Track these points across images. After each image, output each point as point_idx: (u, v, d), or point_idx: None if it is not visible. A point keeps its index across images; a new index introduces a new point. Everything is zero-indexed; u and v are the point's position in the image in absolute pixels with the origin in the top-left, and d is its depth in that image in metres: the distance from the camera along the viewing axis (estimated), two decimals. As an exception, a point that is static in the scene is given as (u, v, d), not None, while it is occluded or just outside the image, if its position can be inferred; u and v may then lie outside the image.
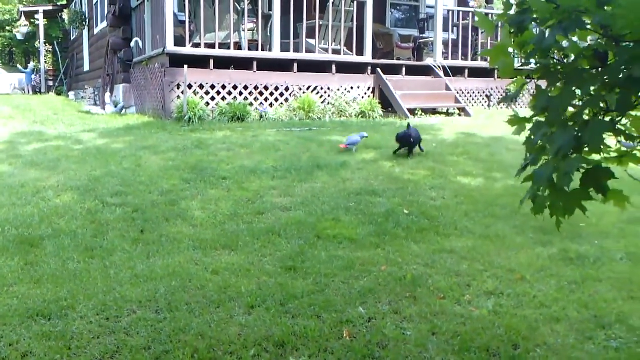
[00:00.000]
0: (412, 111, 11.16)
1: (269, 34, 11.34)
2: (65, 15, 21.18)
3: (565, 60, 2.06)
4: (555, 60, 2.07)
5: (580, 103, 1.95)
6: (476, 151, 7.74)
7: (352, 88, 11.72)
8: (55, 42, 24.14)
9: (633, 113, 2.04)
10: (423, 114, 11.34)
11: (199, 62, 10.34)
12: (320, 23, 11.56)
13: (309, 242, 4.59)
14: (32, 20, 23.40)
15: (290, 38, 11.06)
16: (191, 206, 5.44)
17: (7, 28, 29.02)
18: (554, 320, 3.39)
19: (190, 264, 4.17)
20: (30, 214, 5.17)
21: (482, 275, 4.03)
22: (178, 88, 10.22)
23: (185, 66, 9.89)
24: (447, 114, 12.01)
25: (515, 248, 4.53)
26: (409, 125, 7.59)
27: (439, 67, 12.54)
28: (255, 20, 11.25)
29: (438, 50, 12.92)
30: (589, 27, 1.88)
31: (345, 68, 11.72)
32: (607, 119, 1.93)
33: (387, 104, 11.54)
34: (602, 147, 1.91)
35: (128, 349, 3.01)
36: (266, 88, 10.91)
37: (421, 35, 14.81)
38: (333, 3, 11.51)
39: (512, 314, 3.44)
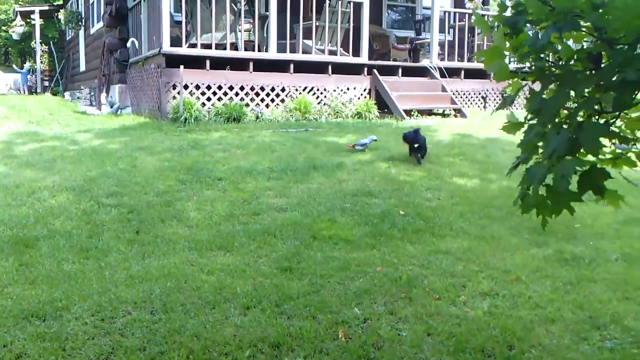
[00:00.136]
0: (408, 112, 11.17)
1: (265, 34, 11.34)
2: (61, 15, 21.10)
3: (560, 63, 2.06)
4: (549, 63, 2.08)
5: (574, 105, 1.95)
6: (472, 152, 7.75)
7: (348, 89, 11.73)
8: (51, 42, 24.07)
9: (627, 115, 2.04)
10: (419, 115, 11.35)
11: (195, 63, 10.33)
12: (317, 24, 11.57)
13: (305, 243, 4.58)
14: (28, 20, 23.33)
15: (286, 39, 11.07)
16: (187, 207, 5.43)
17: (3, 28, 28.91)
18: (549, 321, 3.39)
19: (185, 264, 4.16)
20: (25, 215, 5.15)
21: (477, 276, 4.03)
22: (174, 88, 10.21)
23: (182, 66, 9.88)
24: (443, 115, 12.03)
25: (510, 249, 4.54)
26: (418, 130, 7.35)
27: (435, 68, 12.56)
28: (251, 21, 11.24)
29: (434, 51, 12.94)
30: (583, 29, 1.88)
31: (342, 69, 11.73)
32: (602, 120, 1.94)
33: (383, 105, 11.55)
34: (599, 149, 1.91)
35: (123, 350, 3.00)
36: (262, 89, 10.91)
37: (417, 37, 14.83)
38: (329, 4, 11.52)
39: (507, 315, 3.45)
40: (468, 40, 13.62)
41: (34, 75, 23.66)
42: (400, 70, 12.41)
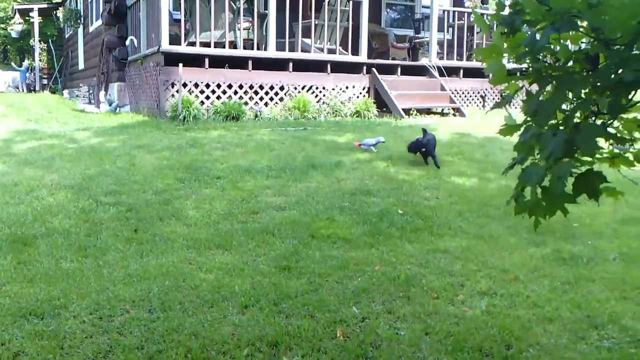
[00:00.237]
0: (407, 111, 11.17)
1: (264, 33, 11.33)
2: (60, 13, 21.08)
3: (557, 64, 2.06)
4: (546, 64, 2.07)
5: (570, 106, 1.95)
6: (470, 151, 7.76)
7: (347, 88, 11.72)
8: (50, 40, 24.04)
9: (624, 115, 2.04)
10: (418, 114, 11.35)
11: (194, 61, 10.32)
12: (316, 22, 11.56)
13: (303, 242, 4.58)
14: (27, 18, 23.31)
15: (285, 37, 11.05)
16: (185, 205, 5.43)
17: (2, 26, 28.89)
18: (546, 320, 3.40)
19: (183, 263, 4.16)
20: (24, 213, 5.15)
21: (475, 275, 4.04)
22: (173, 87, 10.20)
23: (180, 65, 9.87)
24: (442, 114, 12.03)
25: (508, 248, 4.54)
26: (424, 131, 7.25)
27: (434, 67, 12.56)
28: (250, 19, 11.23)
29: (433, 50, 12.94)
30: (580, 30, 1.88)
31: (341, 67, 11.72)
32: (599, 122, 1.94)
33: (382, 103, 11.55)
34: (595, 151, 1.91)
35: (121, 348, 3.00)
36: (261, 87, 10.90)
37: (416, 35, 14.82)
38: (329, 2, 11.51)
39: (505, 314, 3.45)
40: (467, 39, 13.61)
41: (32, 73, 23.63)
42: (399, 69, 12.40)
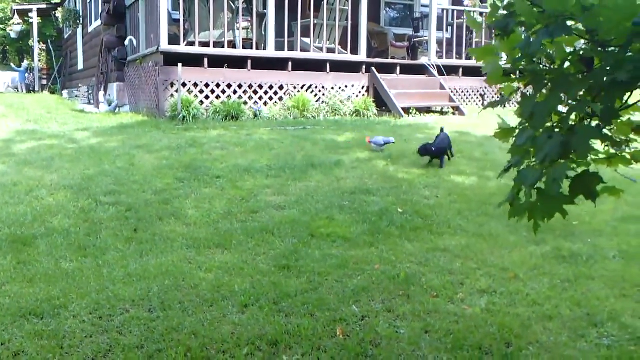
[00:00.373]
0: (407, 110, 11.17)
1: (263, 32, 11.33)
2: (59, 13, 21.08)
3: (552, 66, 2.05)
4: (542, 66, 2.07)
5: (566, 109, 1.95)
6: (470, 150, 7.76)
7: (346, 87, 11.73)
8: (49, 41, 24.03)
9: (618, 120, 2.03)
10: (417, 112, 11.35)
11: (193, 61, 10.32)
12: (315, 22, 11.56)
13: (303, 241, 4.59)
14: (26, 19, 23.29)
15: (284, 37, 11.05)
16: (185, 205, 5.43)
17: (1, 26, 28.87)
18: (546, 318, 3.40)
19: (183, 262, 4.16)
20: (23, 213, 5.15)
21: (475, 273, 4.04)
22: (172, 86, 10.20)
23: (180, 65, 9.87)
24: (441, 112, 12.02)
25: (508, 246, 4.54)
26: (442, 129, 7.19)
27: (434, 66, 12.56)
28: (249, 19, 11.24)
29: (432, 49, 12.93)
30: (574, 32, 1.87)
31: (340, 67, 11.72)
32: (594, 124, 1.93)
33: (382, 102, 11.55)
34: (589, 154, 1.91)
35: (121, 347, 3.00)
36: (260, 87, 10.90)
37: (416, 34, 14.81)
38: (327, 2, 11.51)
39: (505, 312, 3.45)
40: (466, 38, 13.61)
41: (31, 74, 23.62)
42: (398, 68, 12.40)
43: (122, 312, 3.39)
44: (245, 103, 10.59)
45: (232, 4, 10.89)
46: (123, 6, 12.96)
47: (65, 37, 23.04)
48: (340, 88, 11.63)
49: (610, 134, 2.05)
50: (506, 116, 2.41)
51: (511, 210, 2.20)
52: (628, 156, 2.19)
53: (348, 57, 11.91)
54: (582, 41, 1.95)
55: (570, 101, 1.94)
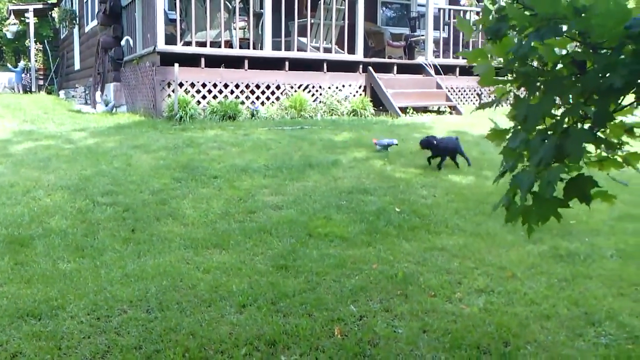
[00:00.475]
0: (404, 109, 11.18)
1: (260, 32, 11.32)
2: (55, 13, 21.01)
3: (545, 68, 2.05)
4: (534, 68, 2.06)
5: (560, 111, 1.95)
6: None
7: (343, 86, 11.73)
8: (45, 41, 23.98)
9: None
10: (414, 112, 11.36)
11: (190, 61, 10.31)
12: (312, 21, 11.55)
13: (301, 241, 4.58)
14: (22, 19, 23.24)
15: (281, 36, 11.05)
16: (182, 205, 5.42)
17: (-3, 27, 28.83)
18: (544, 317, 3.40)
19: (181, 263, 4.16)
20: (20, 214, 5.14)
21: (472, 272, 4.04)
22: (169, 86, 10.19)
23: (176, 65, 9.86)
24: (438, 112, 12.04)
25: (505, 245, 4.55)
26: (456, 138, 7.05)
27: (430, 65, 12.57)
28: (246, 19, 11.23)
29: (429, 48, 12.94)
30: (566, 35, 1.87)
31: (337, 66, 11.72)
32: (586, 126, 1.93)
33: (379, 102, 11.55)
34: (583, 157, 1.91)
35: (119, 348, 3.00)
36: (257, 86, 10.90)
37: (412, 34, 14.82)
38: (324, 1, 11.50)
39: (502, 312, 3.45)
40: (463, 37, 13.62)
41: (28, 74, 23.58)
42: (395, 68, 12.40)
43: (119, 313, 3.39)
44: (243, 103, 10.58)
45: (228, 3, 10.88)
46: (119, 6, 12.93)
47: (62, 37, 23.01)
48: (337, 88, 11.63)
49: (604, 137, 2.05)
50: (501, 116, 2.42)
51: (507, 214, 2.20)
52: (620, 159, 2.19)
53: (345, 56, 11.91)
54: (574, 43, 1.95)
55: (563, 103, 1.94)
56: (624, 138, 2.13)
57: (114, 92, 13.30)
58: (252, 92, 10.85)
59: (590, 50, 1.84)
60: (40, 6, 22.79)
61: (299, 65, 11.30)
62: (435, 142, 6.80)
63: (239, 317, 3.34)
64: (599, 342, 3.12)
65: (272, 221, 5.01)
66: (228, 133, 8.62)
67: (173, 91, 9.98)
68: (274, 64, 11.10)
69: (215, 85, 10.55)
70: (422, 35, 13.66)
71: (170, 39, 10.43)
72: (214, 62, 10.59)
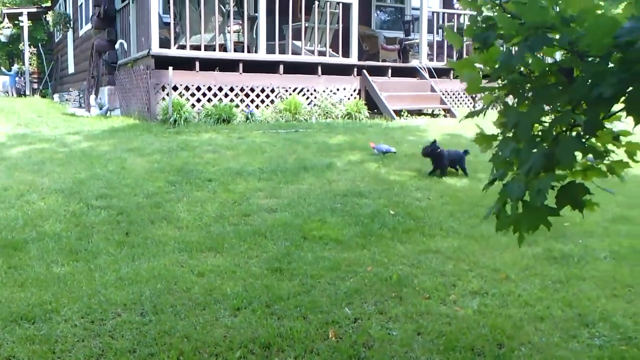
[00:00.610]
0: (398, 112, 11.20)
1: (254, 35, 11.33)
2: (49, 17, 20.99)
3: (532, 77, 2.05)
4: (522, 77, 2.06)
5: (548, 119, 1.95)
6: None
7: (338, 90, 11.74)
8: (39, 44, 23.92)
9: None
10: (409, 115, 11.38)
11: (184, 64, 10.31)
12: (306, 25, 11.58)
13: (295, 244, 4.58)
14: (16, 22, 23.17)
15: (275, 40, 11.06)
16: (176, 208, 5.42)
17: (-9, 30, 28.76)
18: (538, 319, 3.41)
19: (175, 266, 4.15)
20: (14, 217, 5.12)
21: (467, 274, 4.05)
22: (163, 90, 10.18)
23: (170, 68, 9.86)
24: (433, 115, 12.06)
25: (500, 248, 4.56)
26: (466, 151, 6.90)
27: (424, 68, 12.60)
28: (240, 22, 11.24)
29: (423, 51, 12.98)
30: (555, 43, 1.87)
31: (331, 70, 11.74)
32: (574, 133, 1.93)
33: (373, 105, 11.57)
34: (573, 164, 1.92)
35: (113, 352, 2.99)
36: (252, 90, 10.90)
37: (406, 37, 14.86)
38: (318, 5, 11.52)
39: (496, 313, 3.46)
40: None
41: (22, 78, 23.50)
42: (389, 71, 12.44)
43: (114, 316, 3.38)
44: (237, 106, 10.58)
45: (222, 7, 10.89)
46: (113, 10, 12.93)
47: (56, 40, 22.95)
48: (331, 91, 11.65)
49: (594, 145, 2.05)
50: (493, 119, 2.43)
51: (498, 223, 2.21)
52: (604, 168, 2.20)
53: (339, 60, 11.93)
54: (562, 50, 1.95)
55: (552, 111, 1.94)
56: (610, 146, 2.13)
57: (108, 96, 13.28)
58: (247, 95, 10.85)
59: (578, 59, 1.84)
60: (35, 10, 22.76)
61: (293, 68, 11.31)
62: (438, 149, 6.67)
63: (234, 320, 3.34)
64: (593, 344, 3.13)
65: (266, 224, 5.01)
66: (222, 136, 8.62)
67: (167, 94, 9.98)
68: (268, 68, 11.11)
69: (209, 89, 10.54)
70: (416, 39, 13.70)
71: (164, 43, 10.43)
72: (208, 65, 10.59)
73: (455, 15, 13.68)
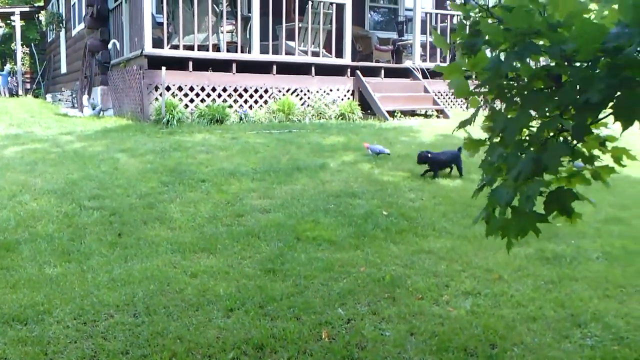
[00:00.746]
0: (391, 113, 11.21)
1: (248, 35, 11.32)
2: (42, 16, 20.92)
3: (519, 82, 2.05)
4: (509, 82, 2.06)
5: (536, 123, 1.96)
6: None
7: (331, 90, 11.74)
8: (32, 44, 23.83)
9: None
10: (402, 115, 11.39)
11: (177, 64, 10.29)
12: (300, 25, 11.57)
13: (289, 244, 4.58)
14: (8, 22, 23.09)
15: (269, 40, 11.05)
16: (169, 209, 5.40)
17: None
18: (530, 319, 3.42)
19: (168, 267, 4.14)
20: (6, 218, 5.10)
21: (460, 275, 4.06)
22: (156, 90, 10.16)
23: (164, 68, 9.83)
24: (426, 115, 12.08)
25: (492, 248, 4.56)
26: (459, 148, 6.79)
27: (418, 69, 12.62)
28: (234, 22, 11.22)
29: (416, 52, 13.00)
30: (542, 50, 1.87)
31: (325, 70, 11.74)
32: (561, 138, 1.94)
33: (367, 106, 11.58)
34: (559, 169, 1.93)
35: (105, 353, 2.98)
36: (245, 90, 10.89)
37: (400, 38, 14.88)
38: (312, 5, 11.52)
39: (489, 314, 3.47)
40: (450, 41, 13.67)
41: (14, 78, 23.41)
42: (382, 72, 12.45)
43: (106, 318, 3.37)
44: (230, 106, 10.57)
45: (216, 7, 10.87)
46: (106, 9, 12.89)
47: (49, 40, 22.87)
48: (325, 91, 11.65)
49: (581, 150, 2.06)
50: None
51: (487, 228, 2.22)
52: (588, 174, 2.21)
53: (333, 60, 11.93)
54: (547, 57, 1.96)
55: (540, 116, 1.95)
56: (595, 152, 2.14)
57: (101, 96, 13.24)
58: (240, 95, 10.84)
59: (566, 63, 1.84)
60: (27, 9, 22.67)
61: (287, 69, 11.30)
62: (430, 155, 6.66)
63: (227, 321, 3.33)
64: (585, 344, 3.15)
65: (260, 225, 5.01)
66: (216, 137, 8.61)
67: (160, 94, 9.95)
68: (262, 68, 11.10)
69: (203, 89, 10.53)
70: (410, 40, 13.72)
71: (157, 43, 10.40)
72: (201, 65, 10.58)
73: (448, 16, 13.71)
